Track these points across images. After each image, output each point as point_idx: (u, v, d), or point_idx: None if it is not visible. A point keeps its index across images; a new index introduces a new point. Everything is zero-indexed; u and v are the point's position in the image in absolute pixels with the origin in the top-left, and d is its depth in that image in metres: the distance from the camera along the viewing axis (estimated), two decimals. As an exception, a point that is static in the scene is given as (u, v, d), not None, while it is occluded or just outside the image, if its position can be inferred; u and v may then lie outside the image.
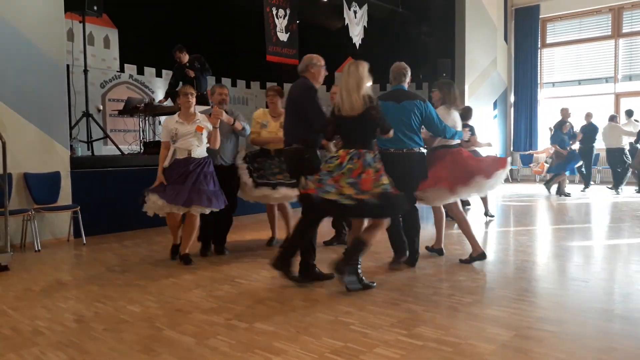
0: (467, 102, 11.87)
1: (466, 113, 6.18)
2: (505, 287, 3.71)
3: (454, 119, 4.54)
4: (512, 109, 13.85)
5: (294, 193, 4.73)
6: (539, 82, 13.55)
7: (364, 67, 3.66)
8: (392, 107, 4.09)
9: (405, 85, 4.33)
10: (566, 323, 2.96)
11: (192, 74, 8.08)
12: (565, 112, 9.98)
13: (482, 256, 4.44)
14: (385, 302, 3.40)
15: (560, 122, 9.78)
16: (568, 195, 9.60)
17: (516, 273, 4.14)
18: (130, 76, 10.21)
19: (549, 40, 13.58)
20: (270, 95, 5.20)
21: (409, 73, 4.35)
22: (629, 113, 10.89)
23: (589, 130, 10.25)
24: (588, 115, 10.41)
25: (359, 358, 2.52)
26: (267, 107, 5.37)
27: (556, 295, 3.57)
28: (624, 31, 12.49)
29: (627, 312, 3.16)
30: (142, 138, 8.28)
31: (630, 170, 10.21)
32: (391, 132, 3.79)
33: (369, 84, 3.68)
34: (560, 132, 9.66)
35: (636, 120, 10.83)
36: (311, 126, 3.91)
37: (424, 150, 4.40)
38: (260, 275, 4.22)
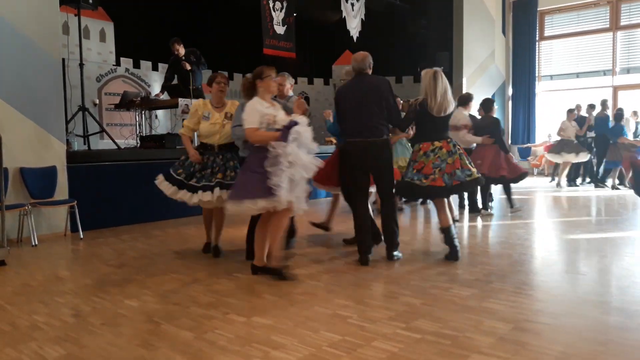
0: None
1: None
2: (503, 280, 3.72)
3: None
4: (510, 102, 13.84)
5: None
6: (537, 74, 13.53)
7: None
8: None
9: None
10: (563, 316, 2.97)
11: (188, 66, 8.04)
12: (606, 104, 9.90)
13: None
14: (383, 296, 3.40)
15: (617, 114, 9.53)
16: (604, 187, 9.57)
17: (514, 266, 4.15)
18: (127, 70, 10.16)
19: (547, 32, 13.55)
20: (222, 83, 4.53)
21: None
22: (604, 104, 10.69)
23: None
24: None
25: (357, 351, 2.53)
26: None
27: (553, 288, 3.59)
28: (622, 24, 12.47)
29: (624, 304, 3.17)
30: (139, 132, 8.25)
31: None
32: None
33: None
34: (620, 123, 9.46)
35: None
36: (390, 118, 4.32)
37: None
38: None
